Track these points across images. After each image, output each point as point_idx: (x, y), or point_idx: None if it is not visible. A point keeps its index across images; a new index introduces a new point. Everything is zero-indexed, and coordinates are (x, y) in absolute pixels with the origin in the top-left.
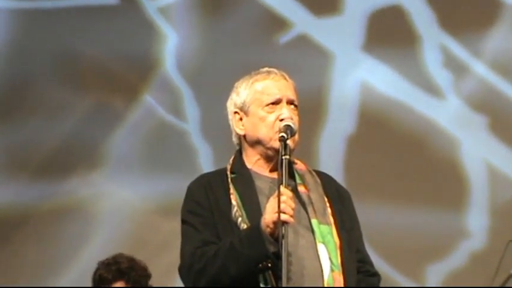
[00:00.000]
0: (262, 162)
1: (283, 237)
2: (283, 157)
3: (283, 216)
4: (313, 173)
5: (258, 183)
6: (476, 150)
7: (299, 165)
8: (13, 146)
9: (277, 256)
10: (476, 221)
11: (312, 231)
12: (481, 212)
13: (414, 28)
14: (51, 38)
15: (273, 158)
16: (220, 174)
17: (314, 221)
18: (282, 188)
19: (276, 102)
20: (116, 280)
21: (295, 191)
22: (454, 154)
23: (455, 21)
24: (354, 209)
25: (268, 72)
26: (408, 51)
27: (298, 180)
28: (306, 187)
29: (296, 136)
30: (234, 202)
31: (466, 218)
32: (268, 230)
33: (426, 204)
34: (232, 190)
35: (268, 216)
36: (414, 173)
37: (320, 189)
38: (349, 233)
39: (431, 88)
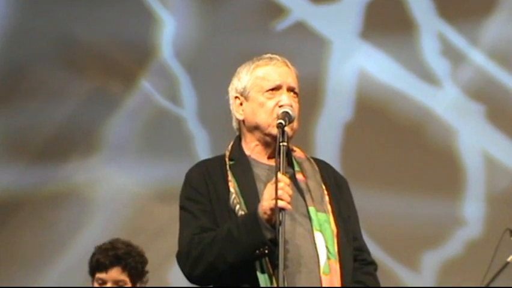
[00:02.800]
0: (260, 148)
1: (280, 223)
2: (281, 144)
3: (280, 203)
4: (312, 161)
5: (256, 171)
6: (473, 138)
7: (298, 153)
8: (10, 131)
9: (274, 243)
10: (473, 210)
11: (310, 219)
12: (477, 201)
13: (412, 16)
14: (49, 23)
15: (271, 145)
16: (219, 160)
17: (312, 209)
18: (279, 175)
19: (276, 89)
20: (113, 266)
21: (293, 178)
22: (450, 142)
23: (453, 9)
24: (352, 197)
25: (270, 58)
26: (405, 39)
27: (296, 168)
28: (304, 175)
29: (295, 123)
30: (232, 189)
31: (462, 206)
32: (265, 216)
33: (422, 192)
34: (230, 177)
35: (266, 202)
36: (410, 161)
37: (318, 177)
38: (346, 221)
39: (428, 76)
